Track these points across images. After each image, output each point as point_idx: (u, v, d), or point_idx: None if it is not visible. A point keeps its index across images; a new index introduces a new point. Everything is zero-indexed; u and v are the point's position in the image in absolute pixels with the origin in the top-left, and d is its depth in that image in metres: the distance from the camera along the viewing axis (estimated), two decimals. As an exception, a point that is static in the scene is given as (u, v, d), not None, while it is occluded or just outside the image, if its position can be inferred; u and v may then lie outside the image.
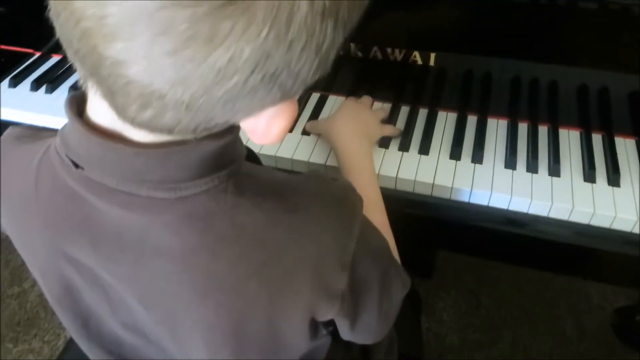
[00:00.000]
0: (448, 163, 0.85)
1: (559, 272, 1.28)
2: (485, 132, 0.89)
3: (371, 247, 0.56)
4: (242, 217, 0.45)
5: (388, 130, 0.89)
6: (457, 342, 1.48)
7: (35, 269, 0.55)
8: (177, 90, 0.34)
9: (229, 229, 0.45)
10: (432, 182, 0.82)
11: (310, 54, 0.35)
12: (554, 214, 0.79)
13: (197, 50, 0.32)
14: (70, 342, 0.93)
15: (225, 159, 0.45)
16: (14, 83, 1.05)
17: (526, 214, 0.80)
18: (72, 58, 0.37)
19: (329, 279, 0.50)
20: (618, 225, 0.77)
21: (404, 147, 0.87)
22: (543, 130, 0.89)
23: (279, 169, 0.80)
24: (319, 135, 0.90)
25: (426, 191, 0.83)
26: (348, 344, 0.71)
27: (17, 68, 1.09)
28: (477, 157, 0.85)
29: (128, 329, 0.55)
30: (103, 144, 0.42)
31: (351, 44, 0.93)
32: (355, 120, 0.85)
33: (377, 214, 0.70)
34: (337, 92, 0.99)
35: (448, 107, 0.94)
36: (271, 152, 0.87)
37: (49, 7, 0.36)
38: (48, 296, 0.56)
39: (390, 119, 0.92)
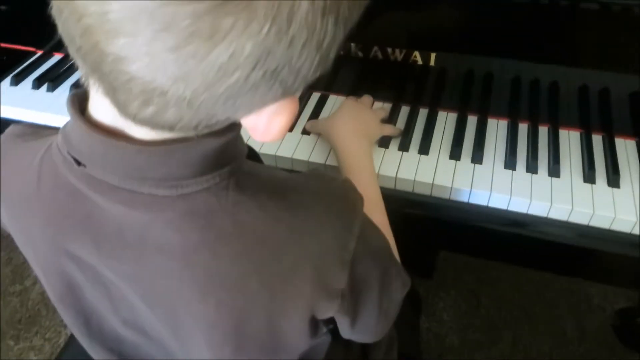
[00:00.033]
0: (448, 163, 0.85)
1: (559, 273, 1.28)
2: (485, 133, 0.89)
3: (371, 246, 0.56)
4: (244, 214, 0.45)
5: (388, 129, 0.89)
6: (457, 342, 1.48)
7: (37, 267, 0.55)
8: (179, 87, 0.34)
9: (230, 226, 0.45)
10: (431, 182, 0.82)
11: (312, 51, 0.35)
12: (553, 215, 0.79)
13: (198, 47, 0.32)
14: (71, 340, 0.93)
15: (227, 157, 0.45)
16: (16, 81, 1.05)
17: (526, 215, 0.80)
18: (74, 55, 0.37)
19: (329, 278, 0.50)
20: (617, 226, 0.77)
21: (404, 146, 0.87)
22: (543, 131, 0.89)
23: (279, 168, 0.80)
24: (319, 134, 0.90)
25: (426, 191, 0.83)
26: (348, 343, 0.71)
27: (19, 66, 1.09)
28: (477, 157, 0.85)
29: (129, 326, 0.55)
30: (105, 142, 0.42)
31: (352, 44, 0.93)
32: (355, 120, 0.85)
33: (377, 214, 0.70)
34: (338, 92, 0.99)
35: (448, 107, 0.94)
36: (271, 152, 0.87)
37: (50, 5, 0.36)
38: (50, 294, 0.57)
39: (391, 119, 0.92)
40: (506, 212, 0.81)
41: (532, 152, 0.84)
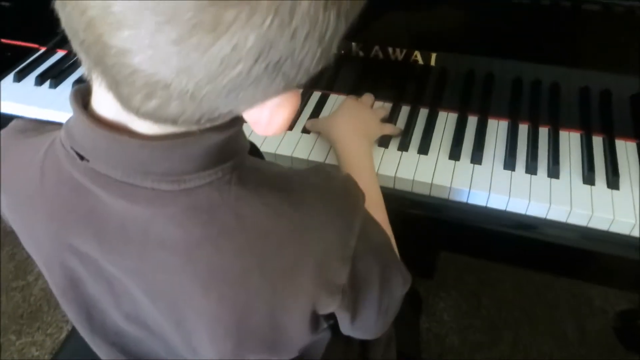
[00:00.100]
0: (447, 163, 0.85)
1: (558, 274, 1.28)
2: (485, 133, 0.89)
3: (372, 242, 0.56)
4: (246, 209, 0.45)
5: (388, 129, 0.89)
6: (457, 343, 1.48)
7: (40, 261, 0.56)
8: (181, 80, 0.34)
9: (233, 221, 0.45)
10: (430, 181, 0.82)
11: (314, 43, 0.35)
12: (552, 216, 0.79)
13: (201, 39, 0.32)
14: (72, 334, 0.94)
15: (229, 151, 0.45)
16: (19, 77, 1.06)
17: (524, 215, 0.80)
18: (77, 49, 0.37)
19: (330, 273, 0.50)
20: (616, 228, 0.77)
21: (404, 146, 0.87)
22: (543, 132, 0.89)
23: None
24: (318, 133, 0.90)
25: (425, 191, 0.83)
26: (347, 341, 0.71)
27: (22, 63, 1.10)
28: (477, 157, 0.85)
29: (131, 320, 0.55)
30: (108, 136, 0.42)
31: (352, 43, 0.93)
32: (355, 119, 0.86)
33: (377, 213, 0.70)
34: (338, 91, 0.99)
35: (449, 107, 0.94)
36: (271, 150, 0.87)
37: None
38: (53, 288, 0.57)
39: (391, 119, 0.92)
40: (505, 212, 0.81)
41: (532, 153, 0.84)
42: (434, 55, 0.91)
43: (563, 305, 1.53)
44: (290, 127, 0.91)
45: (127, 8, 0.32)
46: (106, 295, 0.53)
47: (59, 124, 0.49)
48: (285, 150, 0.87)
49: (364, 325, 0.60)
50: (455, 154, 0.85)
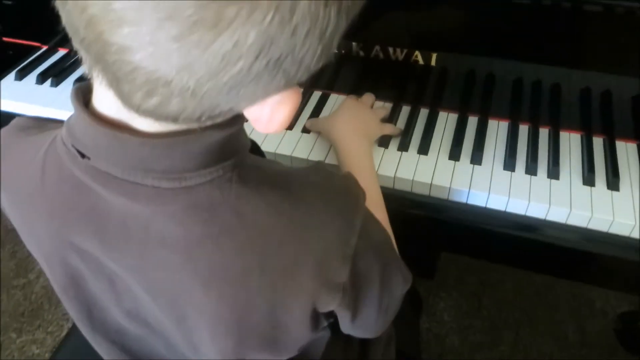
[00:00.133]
0: (447, 163, 0.84)
1: (558, 275, 1.27)
2: (485, 134, 0.89)
3: (373, 240, 0.56)
4: (246, 207, 0.45)
5: (388, 129, 0.89)
6: (457, 343, 1.48)
7: (41, 259, 0.56)
8: (182, 77, 0.34)
9: (233, 219, 0.45)
10: (430, 182, 0.82)
11: (314, 40, 0.35)
12: (551, 217, 0.79)
13: (202, 36, 0.32)
14: (71, 332, 0.94)
15: (230, 150, 0.45)
16: (20, 76, 1.06)
17: (524, 216, 0.80)
18: (77, 47, 0.37)
19: (330, 272, 0.50)
20: (616, 230, 0.77)
21: (404, 146, 0.87)
22: (544, 133, 0.89)
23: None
24: (318, 133, 0.90)
25: (424, 191, 0.83)
26: (347, 341, 0.71)
27: (24, 61, 1.10)
28: (476, 158, 0.85)
29: (132, 318, 0.55)
30: (109, 134, 0.42)
31: (353, 43, 0.93)
32: (355, 119, 0.86)
33: (377, 213, 0.70)
34: (339, 91, 0.99)
35: (449, 108, 0.94)
36: (271, 149, 0.87)
37: None
38: (54, 286, 0.57)
39: (391, 119, 0.92)
40: (504, 213, 0.81)
41: (532, 154, 0.84)
42: (434, 56, 0.91)
43: (564, 307, 1.53)
44: (290, 127, 0.91)
45: (127, 5, 0.32)
46: (107, 293, 0.53)
47: (61, 122, 0.49)
48: (285, 149, 0.87)
49: (364, 324, 0.60)
50: (455, 155, 0.85)
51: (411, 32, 0.91)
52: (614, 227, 0.77)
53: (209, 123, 0.41)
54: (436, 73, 0.93)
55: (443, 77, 0.94)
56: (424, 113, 0.94)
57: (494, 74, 0.92)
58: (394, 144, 0.88)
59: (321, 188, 0.51)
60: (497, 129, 0.90)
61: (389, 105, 0.95)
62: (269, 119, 0.41)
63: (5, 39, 1.15)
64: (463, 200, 0.82)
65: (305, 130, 0.91)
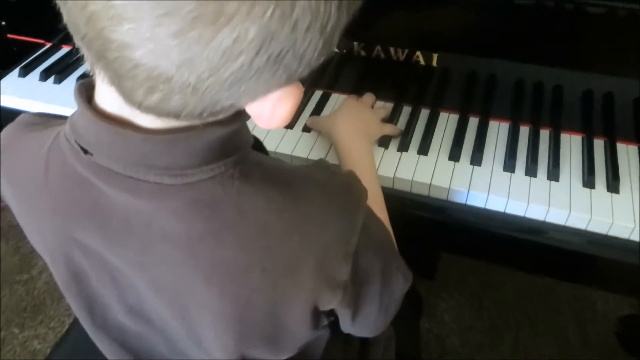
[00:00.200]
0: (447, 164, 0.84)
1: (557, 277, 1.27)
2: (485, 135, 0.89)
3: (374, 238, 0.56)
4: (248, 204, 0.45)
5: (388, 129, 0.89)
6: (457, 344, 1.47)
7: (45, 254, 0.56)
8: (183, 73, 0.34)
9: (235, 216, 0.45)
10: (429, 182, 0.82)
11: (315, 35, 0.35)
12: (550, 219, 0.79)
13: (202, 32, 0.32)
14: (72, 327, 0.94)
15: (233, 146, 0.45)
16: (24, 72, 1.07)
17: (523, 218, 0.80)
18: (79, 44, 0.38)
19: (331, 269, 0.50)
20: (615, 232, 0.77)
21: (404, 146, 0.87)
22: (544, 134, 0.88)
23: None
24: (319, 132, 0.90)
25: (424, 191, 0.83)
26: (347, 341, 0.71)
27: (28, 58, 1.11)
28: (476, 159, 0.84)
29: (134, 314, 0.55)
30: (111, 130, 0.43)
31: (354, 43, 0.93)
32: (356, 119, 0.86)
33: (378, 212, 0.70)
34: (340, 90, 0.99)
35: (450, 108, 0.94)
36: (271, 148, 0.87)
37: None
38: (57, 281, 0.57)
39: (392, 119, 0.92)
40: (504, 214, 0.81)
41: (532, 156, 0.84)
42: (435, 56, 0.91)
43: (565, 309, 1.53)
44: (291, 126, 0.92)
45: (127, 2, 0.32)
46: (110, 289, 0.54)
47: (65, 118, 0.49)
48: (285, 148, 0.87)
49: (364, 323, 0.60)
50: (455, 155, 0.85)
51: (412, 33, 0.91)
52: (613, 229, 0.76)
53: (211, 119, 0.41)
54: (437, 73, 0.93)
55: (444, 77, 0.94)
56: (424, 113, 0.93)
57: (496, 75, 0.92)
58: (394, 144, 0.88)
59: (323, 186, 0.51)
60: (498, 130, 0.90)
61: (389, 105, 0.95)
62: (270, 114, 0.41)
63: (9, 35, 1.16)
64: (462, 201, 0.82)
65: (306, 129, 0.91)
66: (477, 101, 0.93)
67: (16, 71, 1.07)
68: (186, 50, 0.32)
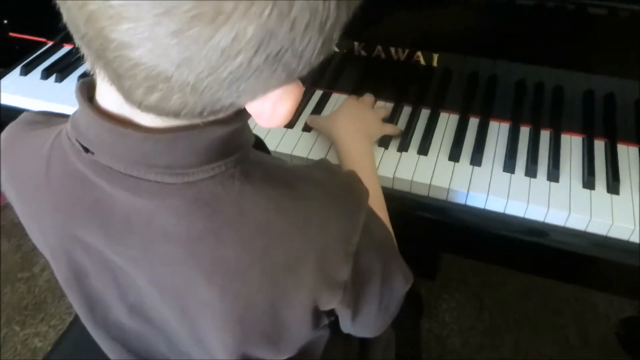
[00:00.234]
0: (446, 164, 0.84)
1: (557, 278, 1.27)
2: (486, 135, 0.89)
3: (375, 238, 0.56)
4: (248, 203, 0.45)
5: (389, 129, 0.89)
6: (458, 344, 1.47)
7: (46, 252, 0.56)
8: (182, 72, 0.34)
9: (235, 215, 0.45)
10: (429, 182, 0.82)
11: (314, 33, 0.35)
12: (550, 220, 0.78)
13: (201, 31, 0.32)
14: (73, 324, 0.95)
15: (233, 145, 0.45)
16: (26, 71, 1.07)
17: (523, 219, 0.80)
18: (79, 43, 0.38)
19: (332, 269, 0.50)
20: (615, 233, 0.77)
21: (403, 147, 0.87)
22: (545, 135, 0.88)
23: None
24: (319, 131, 0.90)
25: (423, 192, 0.83)
26: (347, 341, 0.71)
27: (30, 56, 1.11)
28: (476, 159, 0.84)
29: (135, 313, 0.55)
30: (112, 129, 0.43)
31: (355, 43, 0.93)
32: (356, 119, 0.86)
33: (378, 212, 0.70)
34: (340, 90, 0.99)
35: (450, 109, 0.94)
36: (271, 147, 0.87)
37: None
38: (59, 279, 0.58)
39: (392, 119, 0.92)
40: (503, 215, 0.81)
41: (532, 156, 0.84)
42: (436, 56, 0.91)
43: (566, 310, 1.53)
44: (291, 126, 0.92)
45: (126, 1, 0.32)
46: (111, 288, 0.54)
47: (66, 116, 0.49)
48: (285, 148, 0.87)
49: (364, 322, 0.60)
50: (454, 156, 0.85)
51: (413, 32, 0.91)
52: (613, 230, 0.76)
53: (211, 118, 0.41)
54: (438, 74, 0.93)
55: (445, 77, 0.94)
56: (425, 114, 0.93)
57: (496, 75, 0.91)
58: (394, 145, 0.88)
59: (324, 185, 0.51)
60: (498, 131, 0.90)
61: (390, 105, 0.95)
62: (271, 113, 0.41)
63: (11, 34, 1.16)
64: (462, 201, 0.82)
65: (306, 129, 0.91)
66: (477, 101, 0.92)
67: (18, 69, 1.07)
68: (185, 49, 0.32)
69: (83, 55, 0.39)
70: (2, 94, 1.02)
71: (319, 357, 0.66)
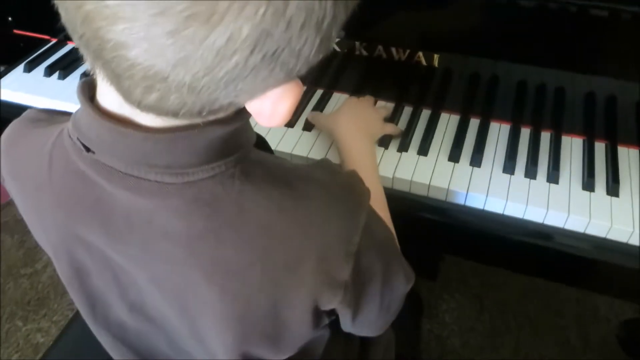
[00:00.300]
0: (446, 165, 0.84)
1: (556, 280, 1.26)
2: (486, 136, 0.89)
3: (376, 238, 0.56)
4: (249, 203, 0.45)
5: (390, 128, 0.89)
6: (458, 345, 1.47)
7: (48, 250, 0.57)
8: (178, 72, 0.34)
9: (235, 214, 0.45)
10: (428, 183, 0.82)
11: (311, 32, 0.34)
12: (549, 221, 0.78)
13: (196, 30, 0.32)
14: (73, 320, 0.95)
15: (234, 145, 0.45)
16: (29, 68, 1.07)
17: (522, 220, 0.80)
18: (77, 43, 0.38)
19: (332, 269, 0.50)
20: (614, 236, 0.77)
21: (404, 147, 0.87)
22: (545, 136, 0.88)
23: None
24: (319, 131, 0.90)
25: (422, 192, 0.83)
26: (347, 341, 0.71)
27: (33, 53, 1.12)
28: (476, 160, 0.84)
29: (136, 311, 0.56)
30: (112, 129, 0.43)
31: (356, 43, 0.93)
32: (357, 118, 0.86)
33: (380, 211, 0.70)
34: (341, 90, 0.99)
35: (451, 109, 0.94)
36: (271, 146, 0.87)
37: None
38: (60, 276, 0.58)
39: (393, 119, 0.92)
40: (502, 216, 0.81)
41: (532, 158, 0.84)
42: (437, 56, 0.91)
43: (567, 311, 1.52)
44: (291, 125, 0.92)
45: (121, 1, 0.32)
46: (111, 286, 0.54)
47: (69, 114, 0.49)
48: (285, 147, 0.88)
49: (365, 322, 0.60)
50: (454, 156, 0.85)
51: (414, 33, 0.91)
52: (612, 232, 0.76)
53: (211, 118, 0.41)
54: (439, 74, 0.93)
55: (445, 78, 0.94)
56: (425, 114, 0.93)
57: (497, 76, 0.91)
58: (394, 144, 0.88)
59: (325, 185, 0.51)
60: (499, 132, 0.90)
61: (391, 106, 0.95)
62: (270, 112, 0.41)
63: (15, 31, 1.17)
64: (461, 202, 0.82)
65: (306, 128, 0.91)
66: (478, 102, 0.92)
67: (21, 66, 1.08)
68: (180, 49, 0.33)
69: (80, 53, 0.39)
70: (5, 90, 1.02)
71: (319, 356, 0.66)
